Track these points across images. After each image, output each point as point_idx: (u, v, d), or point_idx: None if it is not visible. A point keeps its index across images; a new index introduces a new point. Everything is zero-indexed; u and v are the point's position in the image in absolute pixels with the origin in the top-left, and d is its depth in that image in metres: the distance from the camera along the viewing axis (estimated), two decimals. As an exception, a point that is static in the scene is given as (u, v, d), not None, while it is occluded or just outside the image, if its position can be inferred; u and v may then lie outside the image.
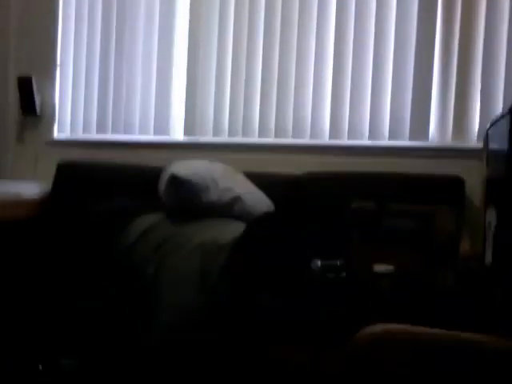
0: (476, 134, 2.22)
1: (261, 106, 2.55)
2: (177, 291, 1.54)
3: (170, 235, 1.78)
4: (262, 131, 2.55)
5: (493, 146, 1.15)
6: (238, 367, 1.66)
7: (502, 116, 0.98)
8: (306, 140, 2.48)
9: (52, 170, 2.75)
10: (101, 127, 2.88)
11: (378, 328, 0.80)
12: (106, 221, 1.97)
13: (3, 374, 1.70)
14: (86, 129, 2.91)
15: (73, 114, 2.94)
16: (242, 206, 1.95)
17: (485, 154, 1.28)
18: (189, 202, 1.90)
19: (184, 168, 1.94)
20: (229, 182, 2.00)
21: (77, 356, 1.89)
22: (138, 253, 1.81)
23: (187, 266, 1.58)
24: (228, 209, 1.93)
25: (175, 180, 1.88)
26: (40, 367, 1.43)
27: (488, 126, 1.25)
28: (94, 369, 1.86)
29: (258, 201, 2.05)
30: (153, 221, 1.90)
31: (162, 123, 2.75)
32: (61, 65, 2.95)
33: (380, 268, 1.74)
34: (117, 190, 2.42)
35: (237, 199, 1.95)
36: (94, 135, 2.89)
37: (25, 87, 2.94)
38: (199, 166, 2.00)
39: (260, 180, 2.20)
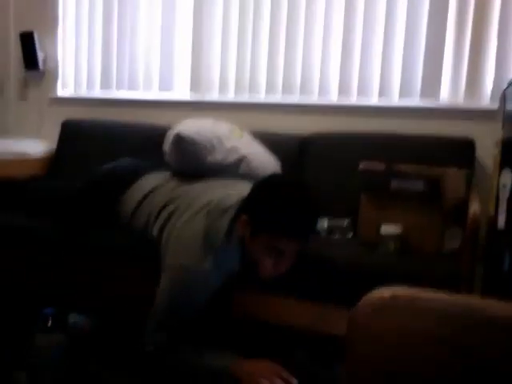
0: (489, 94, 2.15)
1: (268, 62, 2.49)
2: (180, 251, 1.54)
3: (174, 196, 1.76)
4: (269, 89, 2.50)
5: (510, 106, 1.11)
6: (243, 325, 1.68)
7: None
8: (314, 99, 2.42)
9: (56, 128, 2.73)
10: (105, 84, 2.83)
11: (387, 292, 0.78)
12: (109, 180, 1.95)
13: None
14: (89, 85, 2.87)
15: (76, 70, 2.90)
16: (247, 166, 1.92)
17: (501, 114, 1.23)
18: (194, 161, 1.87)
19: (189, 127, 1.91)
20: (235, 141, 1.96)
21: (86, 312, 1.92)
22: (142, 213, 1.80)
23: (191, 227, 1.57)
24: (233, 169, 1.91)
25: (180, 139, 1.85)
26: (49, 322, 1.44)
27: (506, 86, 1.20)
28: (103, 325, 1.90)
29: (265, 161, 2.02)
30: (157, 181, 1.88)
31: (168, 80, 2.70)
32: (63, 20, 2.88)
33: (387, 229, 1.73)
34: (121, 148, 2.40)
35: (242, 159, 1.92)
36: (98, 92, 2.85)
37: (27, 43, 2.89)
38: (205, 125, 1.97)
39: (266, 140, 2.16)
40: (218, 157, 1.89)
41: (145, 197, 1.83)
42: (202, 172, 1.88)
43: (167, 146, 1.95)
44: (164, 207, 1.73)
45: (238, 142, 1.98)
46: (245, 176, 1.89)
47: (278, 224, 1.43)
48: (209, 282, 1.50)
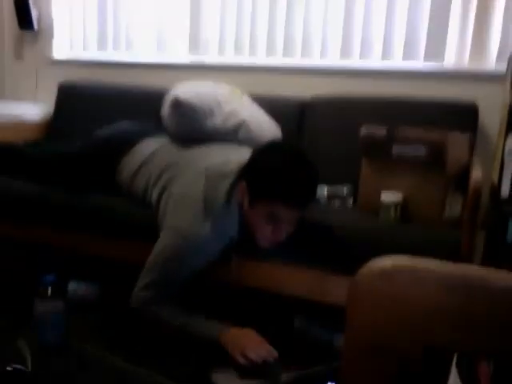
0: (495, 57, 2.10)
1: (268, 23, 2.42)
2: (178, 215, 1.53)
3: (174, 160, 1.74)
4: (270, 50, 2.43)
5: (518, 70, 1.07)
6: (240, 293, 1.68)
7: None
8: (315, 61, 2.36)
9: (53, 90, 2.68)
10: (101, 45, 2.76)
11: (388, 261, 0.77)
12: (109, 144, 1.92)
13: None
14: (85, 46, 2.80)
15: (71, 30, 2.82)
16: (247, 130, 1.89)
17: (509, 77, 1.20)
18: (192, 125, 1.84)
19: (187, 90, 1.87)
20: (234, 105, 1.93)
21: (87, 279, 1.93)
22: (141, 177, 1.78)
23: (190, 191, 1.55)
24: (233, 133, 1.88)
25: (178, 103, 1.82)
26: (49, 292, 1.44)
27: (514, 47, 1.16)
28: (105, 292, 1.91)
29: (264, 125, 1.99)
30: (157, 145, 1.86)
31: (166, 41, 2.63)
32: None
33: (388, 196, 1.71)
34: (119, 111, 2.36)
35: (242, 124, 1.89)
36: (94, 53, 2.78)
37: (20, 1, 2.80)
38: (203, 88, 1.92)
39: (266, 103, 2.12)
40: (216, 121, 1.86)
41: (144, 161, 1.81)
42: (201, 136, 1.85)
43: (165, 109, 1.91)
44: (163, 171, 1.72)
45: (238, 105, 1.94)
46: (244, 141, 1.86)
47: (277, 191, 1.42)
48: (204, 248, 1.49)
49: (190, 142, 1.83)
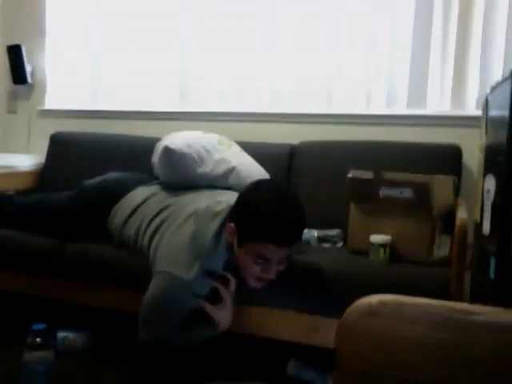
0: (475, 102, 2.18)
1: (256, 74, 2.49)
2: (167, 258, 1.55)
3: (165, 205, 1.76)
4: (258, 100, 2.50)
5: (492, 112, 1.12)
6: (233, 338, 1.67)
7: (504, 80, 0.95)
8: (302, 109, 2.44)
9: (45, 141, 2.72)
10: (94, 96, 2.83)
11: (375, 298, 0.78)
12: (97, 196, 1.94)
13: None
14: (78, 98, 2.87)
15: (65, 82, 2.89)
16: (236, 176, 1.93)
17: (484, 120, 1.25)
18: (183, 173, 1.88)
19: (178, 140, 1.91)
20: (223, 152, 1.97)
21: (76, 327, 1.90)
22: (133, 223, 1.80)
23: (180, 233, 1.57)
24: (223, 180, 1.91)
25: (169, 152, 1.86)
26: (37, 341, 1.42)
27: (488, 91, 1.22)
28: (94, 340, 1.88)
29: (254, 172, 2.03)
30: (149, 192, 1.88)
31: (156, 92, 2.70)
32: (50, 32, 2.88)
33: (377, 238, 1.73)
34: (110, 161, 2.39)
35: (231, 170, 1.93)
36: (86, 104, 2.84)
37: (14, 56, 2.89)
38: (193, 137, 1.97)
39: (255, 149, 2.17)
40: (206, 168, 1.89)
41: (136, 207, 1.83)
42: (192, 183, 1.89)
43: (156, 158, 1.95)
44: (156, 216, 1.74)
45: (227, 153, 1.98)
46: (234, 187, 1.89)
47: (263, 231, 1.44)
48: (193, 288, 1.51)
49: (181, 188, 1.86)
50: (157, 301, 1.51)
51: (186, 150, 1.87)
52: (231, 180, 1.93)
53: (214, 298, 1.54)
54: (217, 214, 1.58)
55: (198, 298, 1.52)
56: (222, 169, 1.92)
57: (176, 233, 1.59)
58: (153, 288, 1.52)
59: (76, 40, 2.83)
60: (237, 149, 2.09)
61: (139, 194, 1.89)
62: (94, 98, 2.83)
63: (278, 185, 1.64)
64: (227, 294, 1.53)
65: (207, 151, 1.92)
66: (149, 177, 2.02)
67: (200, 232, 1.54)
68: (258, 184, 1.59)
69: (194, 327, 1.52)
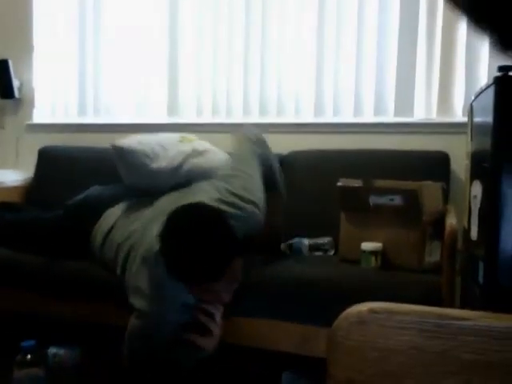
0: (461, 109, 2.20)
1: (244, 86, 2.51)
2: (134, 294, 1.54)
3: (128, 235, 1.71)
4: (245, 111, 2.51)
5: (477, 118, 1.13)
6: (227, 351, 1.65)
7: (487, 87, 0.97)
8: (289, 119, 2.45)
9: (33, 156, 2.71)
10: (82, 110, 2.82)
11: (365, 306, 0.78)
12: (80, 215, 1.92)
13: None
14: (66, 112, 2.86)
15: (53, 96, 2.89)
16: (194, 163, 1.87)
17: (469, 127, 1.26)
18: (137, 171, 1.83)
19: (129, 139, 1.89)
20: (182, 147, 1.91)
21: (67, 344, 1.88)
22: (108, 249, 1.77)
23: (141, 270, 1.54)
24: (180, 170, 1.85)
25: (119, 150, 1.83)
26: (28, 358, 1.41)
27: (472, 98, 1.23)
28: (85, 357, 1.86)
29: (214, 157, 1.96)
30: (118, 213, 1.85)
31: (144, 105, 2.71)
32: (38, 46, 2.88)
33: (368, 246, 1.73)
34: (99, 174, 2.38)
35: (186, 158, 1.87)
36: (74, 118, 2.84)
37: (2, 70, 2.88)
38: (149, 137, 1.93)
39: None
40: (162, 163, 1.84)
41: (111, 228, 1.80)
42: (154, 184, 1.84)
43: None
44: (120, 246, 1.70)
45: (186, 147, 1.93)
46: (195, 176, 1.84)
47: (191, 277, 1.42)
48: (167, 318, 1.49)
49: (144, 199, 1.82)
50: (133, 338, 1.51)
51: (135, 146, 1.83)
52: (189, 167, 1.86)
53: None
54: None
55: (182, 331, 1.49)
56: (177, 160, 1.86)
57: (138, 270, 1.55)
58: (129, 325, 1.52)
59: (63, 54, 2.83)
60: (201, 143, 2.02)
61: (115, 212, 1.85)
62: (81, 112, 2.83)
63: (190, 222, 1.46)
64: (213, 324, 1.48)
65: (162, 147, 1.88)
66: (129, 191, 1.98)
67: (152, 276, 1.51)
68: (172, 226, 1.47)
69: (179, 353, 1.49)
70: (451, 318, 0.78)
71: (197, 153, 1.92)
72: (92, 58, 2.78)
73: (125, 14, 2.70)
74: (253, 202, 1.65)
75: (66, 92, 2.85)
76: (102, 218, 1.85)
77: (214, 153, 1.99)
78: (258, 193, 1.70)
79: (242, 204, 1.63)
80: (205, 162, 1.89)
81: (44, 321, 1.89)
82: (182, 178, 1.85)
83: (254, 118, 2.50)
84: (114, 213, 1.85)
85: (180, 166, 1.86)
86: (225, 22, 2.52)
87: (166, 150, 1.88)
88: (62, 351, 1.86)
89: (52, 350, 1.85)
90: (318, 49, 2.38)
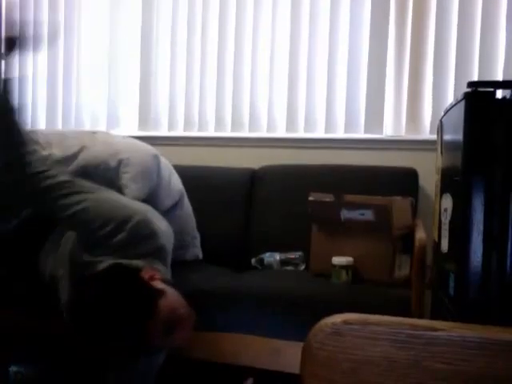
0: (429, 126, 2.26)
1: (216, 101, 2.51)
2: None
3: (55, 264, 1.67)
4: (218, 125, 2.52)
5: (447, 133, 1.16)
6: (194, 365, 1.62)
7: (457, 102, 0.99)
8: (262, 133, 2.46)
9: None
10: (50, 122, 2.77)
11: (339, 317, 0.78)
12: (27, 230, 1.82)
13: None
14: (33, 125, 2.80)
15: (19, 109, 2.82)
16: (88, 153, 1.77)
17: (439, 142, 1.29)
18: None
19: None
20: (85, 138, 1.84)
21: (28, 362, 1.82)
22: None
23: None
24: (73, 159, 1.75)
25: None
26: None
27: (442, 114, 1.27)
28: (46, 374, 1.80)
29: (106, 145, 1.86)
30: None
31: (115, 118, 2.68)
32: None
33: (339, 260, 1.74)
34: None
35: (83, 148, 1.78)
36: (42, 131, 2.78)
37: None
38: (51, 131, 1.92)
39: (216, 174, 2.17)
40: (55, 152, 1.76)
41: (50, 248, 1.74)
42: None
43: None
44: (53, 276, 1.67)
45: (85, 138, 1.85)
46: (86, 164, 1.75)
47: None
48: None
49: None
50: None
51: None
52: (82, 158, 1.77)
53: None
54: None
55: None
56: (72, 150, 1.77)
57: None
58: None
59: (32, 65, 2.78)
60: (114, 137, 1.96)
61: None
62: (51, 124, 2.77)
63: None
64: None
65: (60, 137, 1.82)
66: None
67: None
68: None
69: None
70: (424, 328, 0.79)
71: (95, 142, 1.81)
72: (62, 72, 2.74)
73: (97, 25, 2.68)
74: None
75: (34, 103, 2.78)
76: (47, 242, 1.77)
77: (107, 143, 1.87)
78: None
79: None
80: (98, 152, 1.78)
81: (4, 338, 1.82)
82: (70, 162, 1.73)
83: (227, 132, 2.50)
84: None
85: (75, 156, 1.75)
86: (198, 34, 2.53)
87: (62, 143, 1.78)
88: (23, 369, 1.80)
89: (14, 368, 1.79)
90: (290, 65, 2.41)
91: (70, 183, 1.53)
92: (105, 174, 1.75)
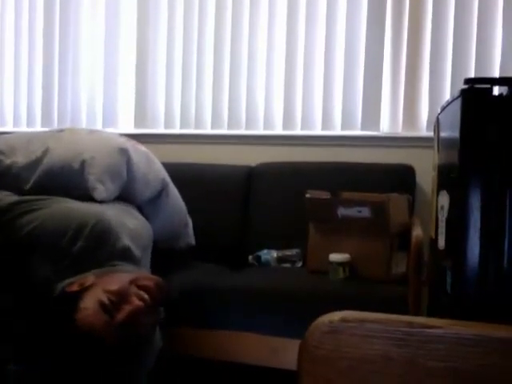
0: (425, 123, 2.26)
1: (213, 98, 2.51)
2: None
3: None
4: (215, 123, 2.51)
5: (444, 130, 1.16)
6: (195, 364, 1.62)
7: (454, 99, 0.99)
8: (259, 131, 2.46)
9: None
10: (46, 120, 2.76)
11: (336, 315, 0.78)
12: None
13: None
14: (30, 122, 2.79)
15: (16, 107, 2.81)
16: (51, 156, 1.69)
17: (436, 139, 1.29)
18: None
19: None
20: (49, 139, 1.75)
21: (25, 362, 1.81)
22: None
23: None
24: (38, 164, 1.68)
25: None
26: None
27: (438, 111, 1.27)
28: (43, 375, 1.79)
29: (71, 144, 1.76)
30: None
31: (111, 116, 2.67)
32: (0, 55, 2.81)
33: (335, 257, 1.74)
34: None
35: (47, 151, 1.70)
36: (38, 129, 2.77)
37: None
38: (16, 134, 1.81)
39: (213, 171, 2.16)
40: (19, 158, 1.69)
41: None
42: (14, 184, 1.66)
43: None
44: None
45: (53, 139, 1.77)
46: (51, 166, 1.67)
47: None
48: None
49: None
50: None
51: None
52: (47, 161, 1.69)
53: None
54: None
55: None
56: (36, 153, 1.69)
57: None
58: None
59: (28, 63, 2.77)
60: (79, 133, 1.86)
61: None
62: (46, 123, 2.76)
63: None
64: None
65: (26, 141, 1.73)
66: None
67: None
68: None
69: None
70: (421, 325, 0.79)
71: (60, 145, 1.72)
72: (57, 69, 2.73)
73: (93, 23, 2.67)
74: None
75: (30, 101, 2.77)
76: None
77: (73, 145, 1.77)
78: None
79: None
80: (62, 155, 1.69)
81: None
82: (36, 165, 1.66)
83: (224, 130, 2.49)
84: None
85: (40, 159, 1.67)
86: (195, 32, 2.52)
87: (28, 144, 1.71)
88: (22, 370, 1.79)
89: (13, 368, 1.78)
90: (287, 63, 2.41)
91: (19, 204, 1.50)
92: (69, 177, 1.67)
